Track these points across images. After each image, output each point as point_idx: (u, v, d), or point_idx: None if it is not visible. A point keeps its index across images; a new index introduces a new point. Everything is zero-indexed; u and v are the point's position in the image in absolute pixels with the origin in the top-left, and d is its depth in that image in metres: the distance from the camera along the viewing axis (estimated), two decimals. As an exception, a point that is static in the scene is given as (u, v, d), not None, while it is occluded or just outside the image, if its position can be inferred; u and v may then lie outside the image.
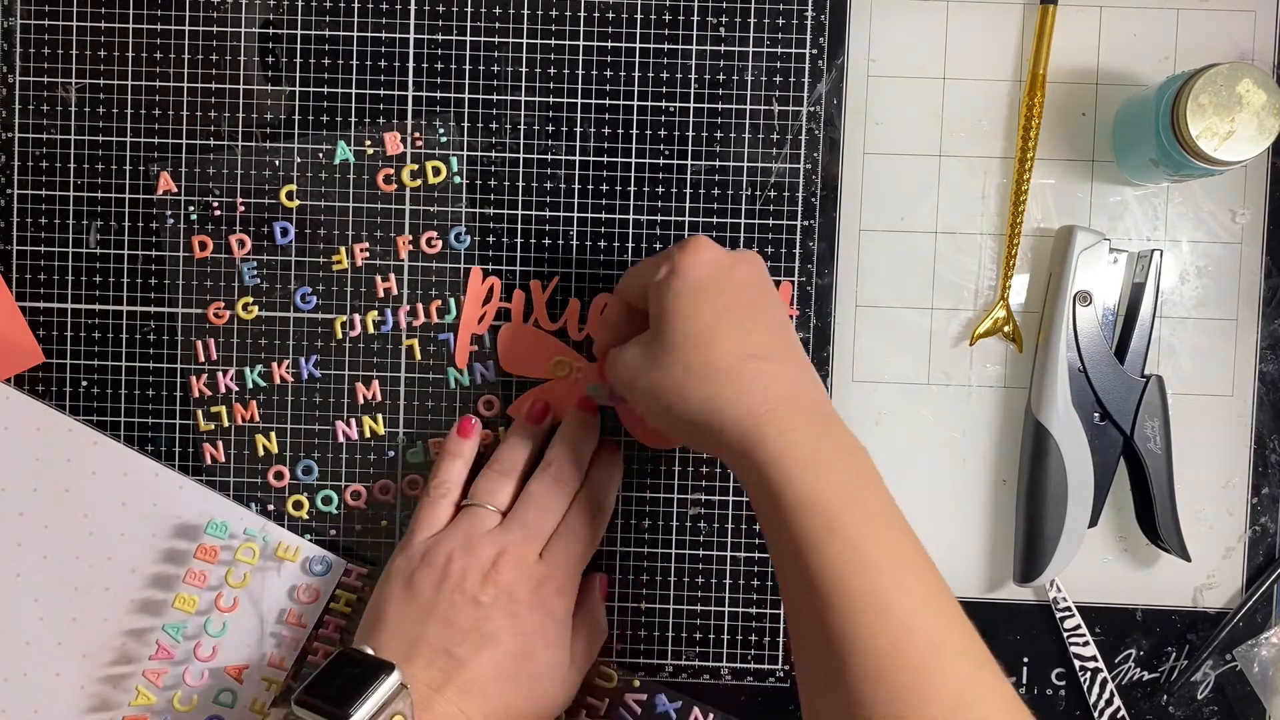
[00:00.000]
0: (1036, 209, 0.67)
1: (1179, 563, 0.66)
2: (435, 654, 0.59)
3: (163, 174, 0.67)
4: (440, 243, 0.67)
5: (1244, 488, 0.68)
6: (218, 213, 0.67)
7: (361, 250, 0.67)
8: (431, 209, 0.67)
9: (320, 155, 0.67)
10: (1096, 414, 0.65)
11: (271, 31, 0.67)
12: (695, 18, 0.67)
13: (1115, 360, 0.65)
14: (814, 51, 0.67)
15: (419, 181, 0.67)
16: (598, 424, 0.66)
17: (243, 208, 0.67)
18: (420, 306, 0.67)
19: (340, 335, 0.68)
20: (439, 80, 0.67)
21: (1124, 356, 0.65)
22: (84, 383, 0.68)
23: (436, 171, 0.67)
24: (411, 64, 0.67)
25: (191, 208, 0.67)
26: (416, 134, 0.67)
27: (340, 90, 0.67)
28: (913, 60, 0.67)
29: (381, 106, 0.67)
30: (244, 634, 0.67)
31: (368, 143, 0.67)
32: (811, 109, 0.67)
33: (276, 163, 0.67)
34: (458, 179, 0.67)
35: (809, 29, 0.67)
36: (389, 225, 0.67)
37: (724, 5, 0.66)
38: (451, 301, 0.67)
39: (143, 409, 0.68)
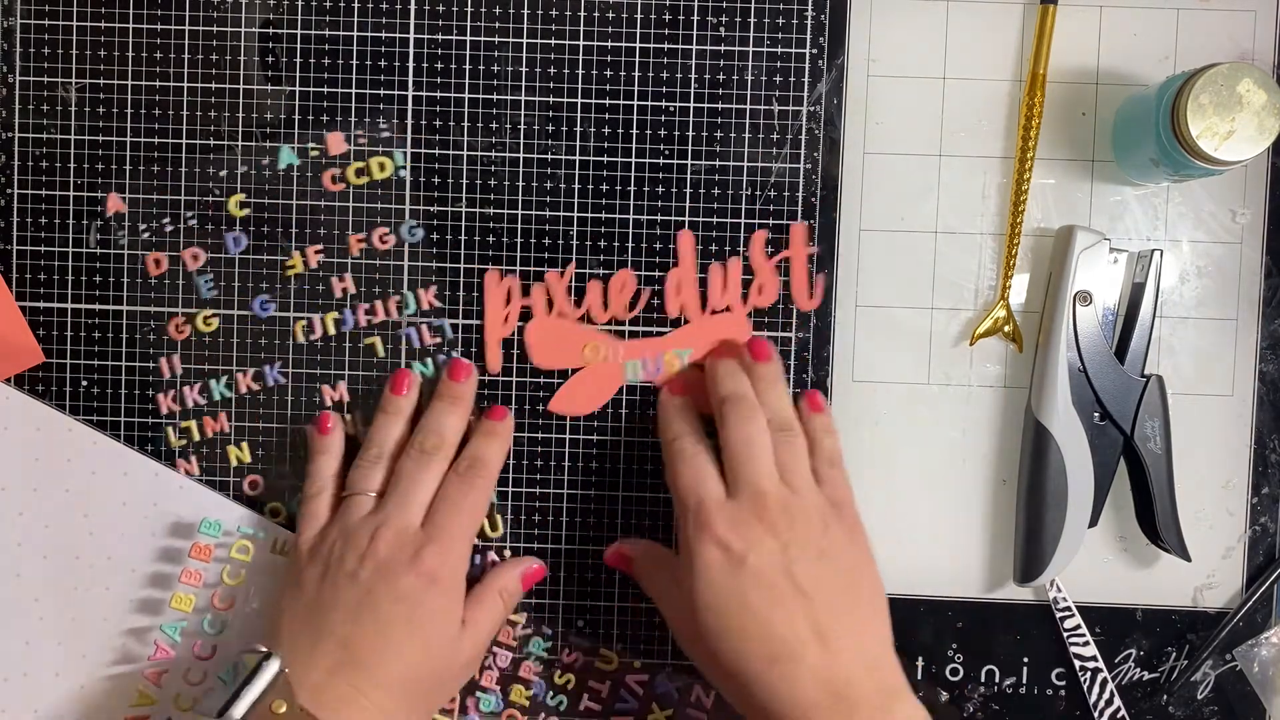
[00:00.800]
0: (1036, 209, 0.67)
1: (1179, 563, 0.66)
2: (321, 638, 0.59)
3: (110, 195, 0.67)
4: (393, 238, 0.67)
5: (1244, 488, 0.68)
6: (169, 228, 0.67)
7: (315, 252, 0.67)
8: (381, 205, 0.67)
9: (265, 161, 0.67)
10: (1096, 414, 0.65)
11: (271, 31, 0.67)
12: (695, 18, 0.67)
13: (1115, 360, 0.65)
14: (814, 51, 0.67)
15: (365, 179, 0.67)
16: (468, 393, 0.66)
17: (193, 220, 0.67)
18: (379, 303, 0.67)
19: (302, 338, 0.67)
20: (439, 80, 0.67)
21: (1124, 356, 0.65)
22: (84, 383, 0.68)
23: (382, 167, 0.67)
24: (412, 64, 0.67)
25: (143, 226, 0.67)
26: (359, 132, 0.67)
27: (340, 90, 0.67)
28: (913, 60, 0.67)
29: (381, 106, 0.67)
30: (243, 632, 0.67)
31: (311, 144, 0.67)
32: (811, 109, 0.67)
33: (222, 173, 0.67)
34: (403, 172, 0.67)
35: (809, 29, 0.67)
36: (340, 224, 0.67)
37: (724, 5, 0.66)
38: (410, 296, 0.67)
39: (143, 409, 0.68)
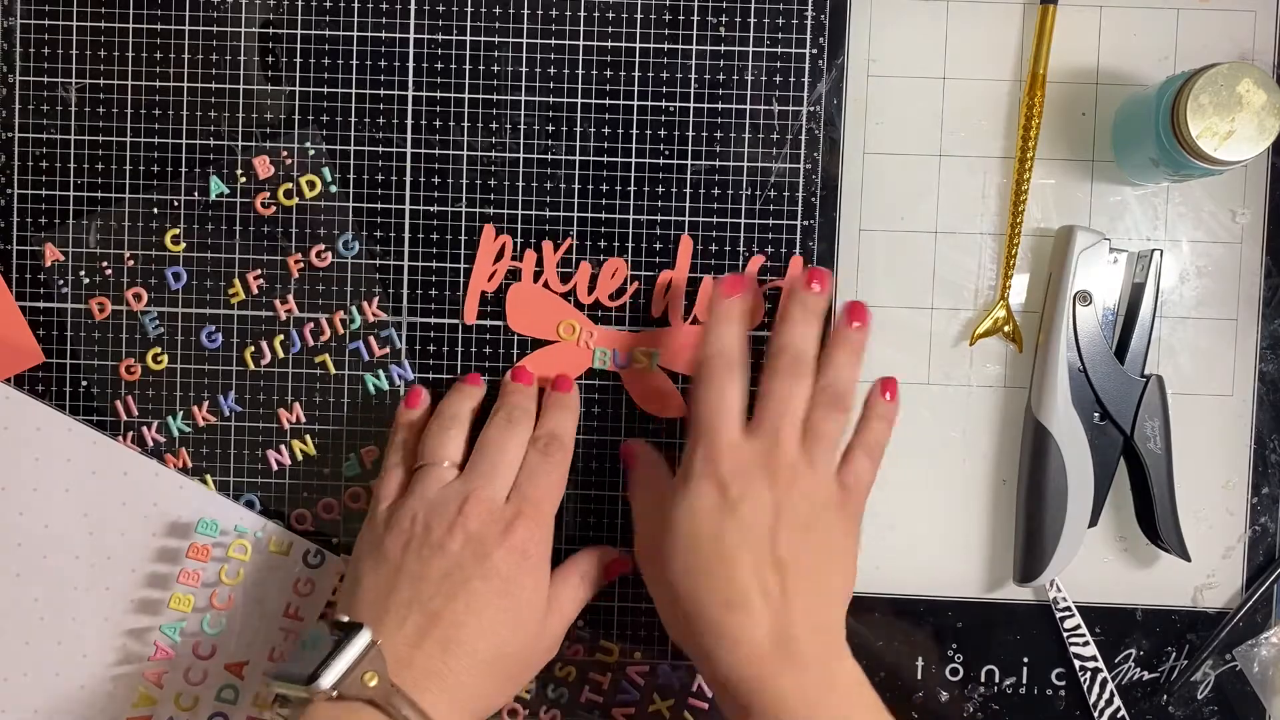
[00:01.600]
0: (1036, 209, 0.67)
1: (1179, 563, 0.66)
2: (408, 610, 0.58)
3: (48, 245, 0.67)
4: (330, 254, 0.67)
5: (1244, 488, 0.68)
6: (108, 272, 0.67)
7: (255, 278, 0.67)
8: (314, 222, 0.67)
9: (195, 193, 0.67)
10: (1096, 414, 0.65)
11: (271, 31, 0.67)
12: (695, 18, 0.67)
13: (1115, 360, 0.65)
14: (814, 51, 0.67)
15: (295, 199, 0.67)
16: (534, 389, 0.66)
17: (131, 261, 0.67)
18: (324, 320, 0.67)
19: (253, 365, 0.67)
20: (439, 80, 0.67)
21: (1124, 356, 0.65)
22: (84, 383, 0.68)
23: (311, 185, 0.67)
24: (411, 64, 0.67)
25: (82, 272, 0.67)
26: (285, 153, 0.67)
27: (340, 90, 0.67)
28: (913, 60, 0.67)
29: (382, 106, 0.67)
30: (243, 630, 0.67)
31: (239, 171, 0.67)
32: (811, 109, 0.67)
33: (154, 211, 0.67)
34: (334, 188, 0.67)
35: (809, 29, 0.67)
36: (276, 248, 0.67)
37: (724, 5, 0.66)
38: (354, 309, 0.67)
39: (142, 409, 0.68)
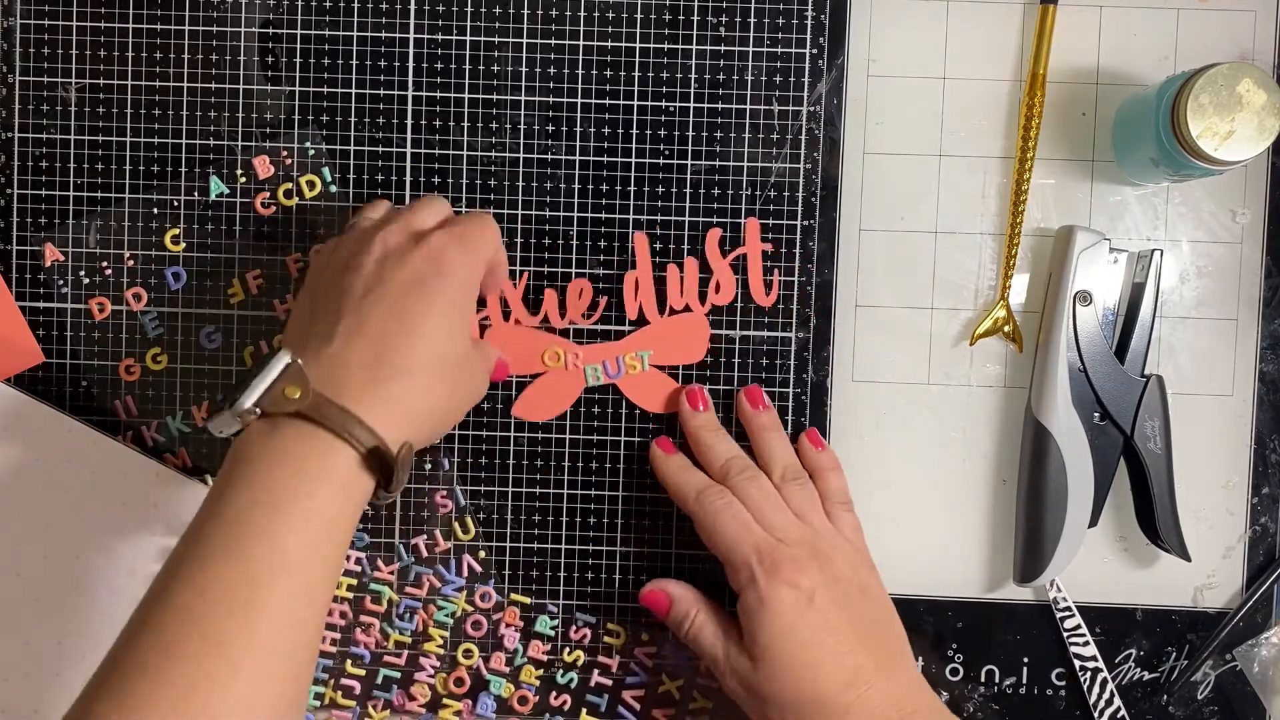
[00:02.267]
0: (1036, 209, 0.67)
1: (1179, 563, 0.66)
2: (332, 330, 0.57)
3: (48, 245, 0.67)
4: None
5: (1244, 488, 0.68)
6: (108, 272, 0.67)
7: (254, 278, 0.67)
8: (314, 222, 0.67)
9: (195, 193, 0.67)
10: (1096, 414, 0.65)
11: (271, 31, 0.67)
12: (695, 18, 0.67)
13: (1115, 360, 0.65)
14: (814, 51, 0.67)
15: (295, 199, 0.67)
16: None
17: (131, 261, 0.67)
18: None
19: (251, 364, 0.67)
20: (439, 80, 0.67)
21: (1124, 356, 0.65)
22: (84, 383, 0.68)
23: (311, 185, 0.67)
24: (411, 64, 0.67)
25: (82, 272, 0.67)
26: (285, 153, 0.67)
27: (340, 90, 0.67)
28: (913, 60, 0.67)
29: (382, 106, 0.67)
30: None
31: (239, 171, 0.67)
32: (811, 109, 0.67)
33: (154, 211, 0.67)
34: (334, 188, 0.67)
35: (809, 29, 0.67)
36: (276, 248, 0.67)
37: (724, 5, 0.66)
38: None
39: (142, 409, 0.68)
